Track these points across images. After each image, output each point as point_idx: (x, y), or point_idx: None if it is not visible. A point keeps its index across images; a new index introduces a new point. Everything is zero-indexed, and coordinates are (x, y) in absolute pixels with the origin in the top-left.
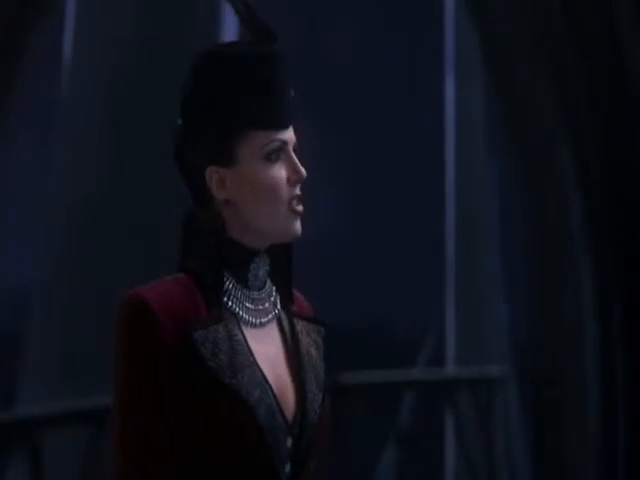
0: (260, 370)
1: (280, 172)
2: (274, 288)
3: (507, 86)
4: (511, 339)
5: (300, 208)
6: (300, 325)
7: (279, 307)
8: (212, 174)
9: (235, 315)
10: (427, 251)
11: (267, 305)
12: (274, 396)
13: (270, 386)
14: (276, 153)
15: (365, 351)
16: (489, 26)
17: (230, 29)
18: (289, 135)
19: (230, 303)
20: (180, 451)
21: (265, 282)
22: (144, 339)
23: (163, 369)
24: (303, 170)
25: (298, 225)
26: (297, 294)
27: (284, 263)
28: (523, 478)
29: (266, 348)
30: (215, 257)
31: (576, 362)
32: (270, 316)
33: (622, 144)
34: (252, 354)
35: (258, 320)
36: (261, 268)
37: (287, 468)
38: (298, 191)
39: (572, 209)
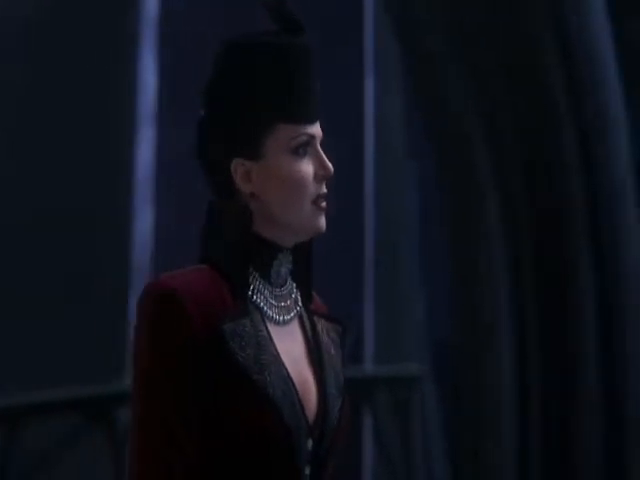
0: (285, 368)
1: (307, 167)
2: (294, 286)
3: (426, 88)
4: (429, 338)
5: (325, 205)
6: (320, 324)
7: (300, 305)
8: (238, 167)
9: (260, 310)
10: (346, 250)
11: (289, 303)
12: (298, 396)
13: (294, 385)
14: (304, 147)
15: None
16: (408, 28)
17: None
18: (316, 129)
19: (255, 298)
20: (202, 445)
21: (287, 280)
22: (171, 328)
23: (189, 360)
24: (331, 166)
25: (323, 220)
26: (315, 294)
27: (304, 262)
28: (441, 477)
29: (289, 346)
30: (241, 251)
31: (492, 361)
32: (292, 314)
33: (539, 145)
34: (277, 351)
35: (281, 317)
36: (284, 265)
37: (307, 470)
38: (324, 189)
39: (489, 209)
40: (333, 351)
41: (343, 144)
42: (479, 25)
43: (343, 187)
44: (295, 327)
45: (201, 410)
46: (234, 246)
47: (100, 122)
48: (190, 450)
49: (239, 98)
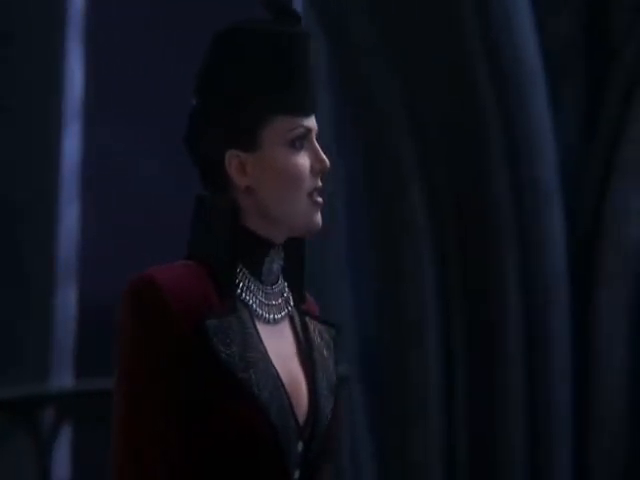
0: (273, 367)
1: (304, 160)
2: (286, 285)
3: (353, 84)
4: (356, 337)
5: (321, 200)
6: (312, 325)
7: (292, 305)
8: (232, 158)
9: (248, 308)
10: None
11: (280, 301)
12: (287, 396)
13: (283, 385)
14: (300, 140)
15: None
16: (335, 22)
17: None
18: (313, 123)
19: (244, 295)
20: (188, 444)
21: (278, 277)
22: (153, 323)
23: (171, 355)
24: (327, 160)
25: (319, 217)
26: (308, 295)
27: (297, 260)
28: (368, 476)
29: (279, 345)
30: (228, 245)
31: (418, 359)
32: (283, 313)
33: (465, 140)
34: (265, 349)
35: (271, 316)
36: (275, 262)
37: (296, 474)
38: (320, 182)
39: (415, 206)
40: (325, 352)
41: None
42: (405, 20)
43: None
44: (285, 326)
45: (186, 408)
46: (221, 242)
47: (26, 118)
48: (175, 449)
49: (236, 87)
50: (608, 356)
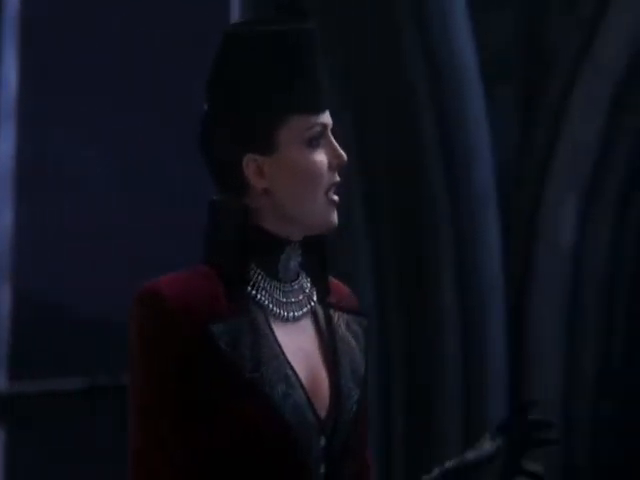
0: (289, 364)
1: (322, 157)
2: (309, 280)
3: None
4: None
5: (336, 198)
6: (339, 317)
7: (315, 300)
8: (249, 162)
9: (263, 308)
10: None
11: (301, 298)
12: (304, 392)
13: (300, 381)
14: (317, 138)
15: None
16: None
17: None
18: (328, 118)
19: (258, 295)
20: (201, 451)
21: (298, 274)
22: (157, 328)
23: (178, 360)
24: (344, 155)
25: (335, 215)
26: (341, 285)
27: (318, 255)
28: None
29: (299, 343)
30: (238, 246)
31: None
32: (305, 310)
33: (402, 144)
34: (280, 348)
35: (290, 314)
36: (292, 259)
37: (322, 469)
38: (337, 177)
39: (353, 209)
40: (354, 343)
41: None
42: (348, 24)
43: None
44: (307, 323)
45: (193, 411)
46: (230, 242)
47: None
48: (183, 453)
49: (249, 91)
50: (542, 357)
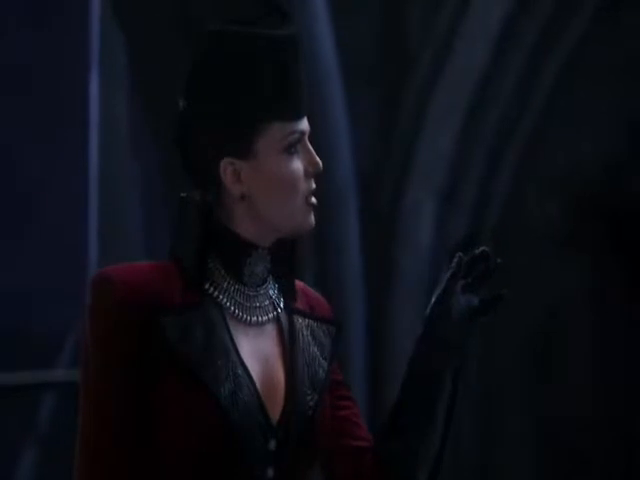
0: (242, 365)
1: (299, 164)
2: (276, 287)
3: (148, 84)
4: None
5: (315, 201)
6: (302, 323)
7: (282, 306)
8: (227, 166)
9: (222, 307)
10: (68, 251)
11: (267, 303)
12: (257, 393)
13: (252, 382)
14: (295, 145)
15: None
16: (133, 25)
17: None
18: (306, 125)
19: (216, 294)
20: (148, 442)
21: (264, 280)
22: (107, 311)
23: (123, 349)
24: (320, 162)
25: (312, 218)
26: (311, 292)
27: (286, 261)
28: None
29: (259, 346)
30: (196, 240)
31: None
32: (270, 315)
33: None
34: (235, 348)
35: (254, 318)
36: (259, 264)
37: (270, 472)
38: (314, 185)
39: None
40: (316, 350)
41: (67, 143)
42: (204, 21)
43: (66, 188)
44: (271, 328)
45: (141, 403)
46: (189, 237)
47: None
48: (130, 445)
49: (229, 95)
50: (403, 356)
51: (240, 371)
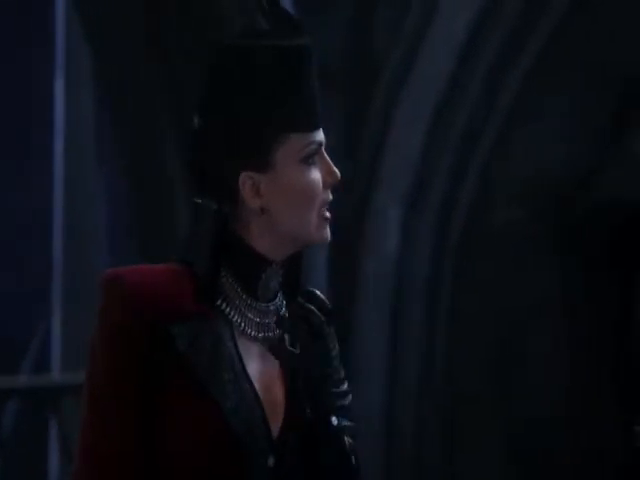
0: (247, 378)
1: (317, 175)
2: (284, 302)
3: (115, 87)
4: None
5: (329, 215)
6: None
7: (288, 321)
8: (245, 180)
9: (230, 321)
10: (33, 254)
11: (274, 319)
12: (261, 408)
13: (257, 398)
14: (313, 156)
15: None
16: (96, 26)
17: None
18: (322, 135)
19: (228, 309)
20: (147, 448)
21: (276, 295)
22: (114, 313)
23: (130, 353)
24: (338, 172)
25: (328, 231)
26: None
27: (294, 270)
28: None
29: (264, 363)
30: (209, 250)
31: None
32: (278, 332)
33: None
34: (242, 362)
35: (261, 334)
36: (273, 279)
37: None
38: (330, 196)
39: (181, 213)
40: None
41: (32, 147)
42: (169, 25)
43: (31, 190)
44: (275, 344)
45: (144, 408)
46: (204, 246)
47: None
48: (132, 450)
49: (248, 108)
50: (366, 361)
51: (245, 385)
